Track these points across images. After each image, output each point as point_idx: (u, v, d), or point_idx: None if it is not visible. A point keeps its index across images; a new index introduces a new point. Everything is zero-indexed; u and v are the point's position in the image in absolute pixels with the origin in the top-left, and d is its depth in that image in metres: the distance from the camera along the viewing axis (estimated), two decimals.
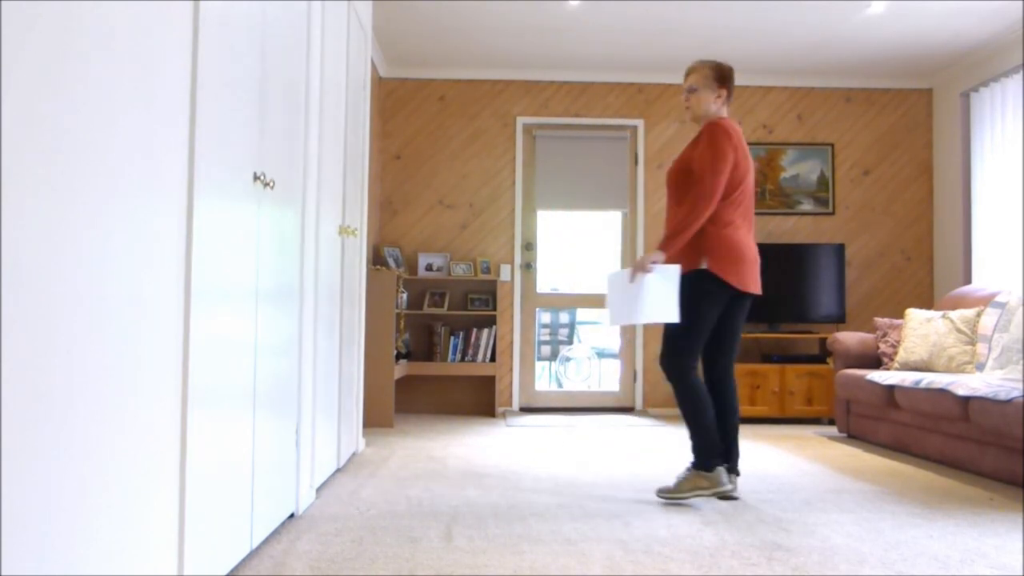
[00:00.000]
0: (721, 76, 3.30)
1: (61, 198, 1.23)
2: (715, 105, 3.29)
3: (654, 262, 3.10)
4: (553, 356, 6.77)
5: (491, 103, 6.33)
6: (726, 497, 3.16)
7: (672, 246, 3.11)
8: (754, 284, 3.21)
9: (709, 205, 3.10)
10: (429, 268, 6.16)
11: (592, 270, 6.55)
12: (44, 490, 1.21)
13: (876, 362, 5.03)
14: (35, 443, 1.18)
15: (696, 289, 3.14)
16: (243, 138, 2.09)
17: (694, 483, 3.10)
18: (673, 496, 3.10)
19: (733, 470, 3.23)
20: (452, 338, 6.03)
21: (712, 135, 3.18)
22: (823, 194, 6.36)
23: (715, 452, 3.13)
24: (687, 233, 3.10)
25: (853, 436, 4.93)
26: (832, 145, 6.39)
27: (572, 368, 6.80)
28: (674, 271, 3.12)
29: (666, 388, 6.23)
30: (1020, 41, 5.34)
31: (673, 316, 3.10)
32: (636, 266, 3.12)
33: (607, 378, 6.64)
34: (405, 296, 5.98)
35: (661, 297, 3.10)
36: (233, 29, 1.99)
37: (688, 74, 3.34)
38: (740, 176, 3.18)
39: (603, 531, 2.64)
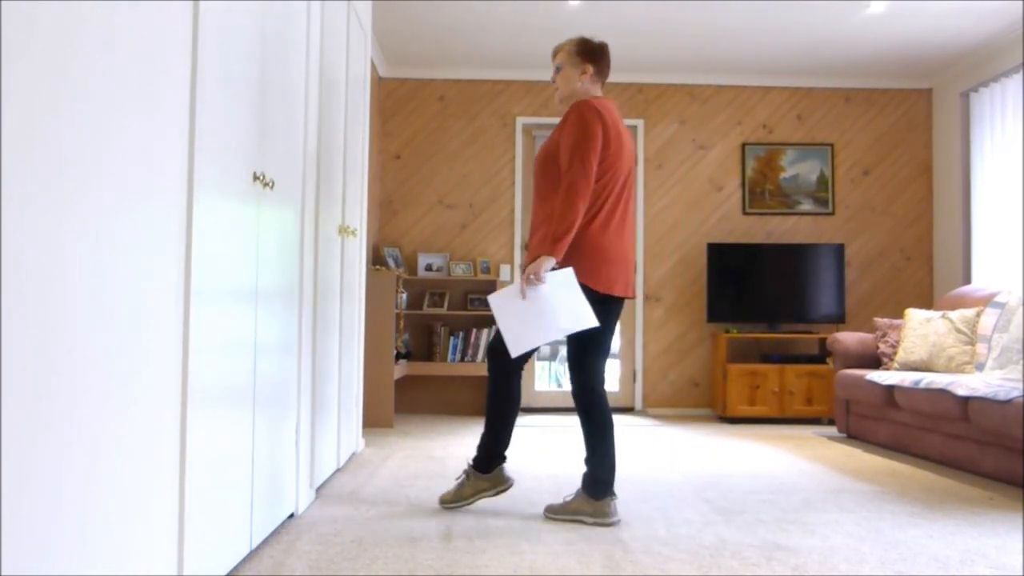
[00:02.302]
0: (585, 50, 2.98)
1: (61, 198, 1.23)
2: (582, 83, 2.97)
3: (547, 269, 2.71)
4: (553, 356, 6.77)
5: (491, 103, 6.33)
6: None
7: (562, 248, 2.70)
8: (620, 286, 2.84)
9: (585, 192, 2.73)
10: (429, 268, 6.16)
11: None
12: (44, 490, 1.21)
13: (876, 362, 5.03)
14: (35, 443, 1.18)
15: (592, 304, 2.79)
16: (243, 138, 2.09)
17: (577, 507, 2.79)
18: (554, 516, 2.82)
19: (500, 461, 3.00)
20: (452, 338, 6.03)
21: (577, 112, 2.81)
22: (823, 194, 6.37)
23: (608, 482, 2.81)
24: (573, 231, 2.71)
25: (853, 436, 4.93)
26: (832, 145, 6.39)
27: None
28: (569, 274, 2.73)
29: (665, 388, 6.24)
30: (1020, 41, 5.34)
31: (591, 319, 2.71)
32: (526, 279, 2.72)
33: (606, 378, 6.64)
34: (405, 296, 5.98)
35: (568, 304, 2.71)
36: (233, 29, 1.99)
37: (554, 55, 3.05)
38: (610, 160, 2.82)
39: (603, 531, 2.64)
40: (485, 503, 3.02)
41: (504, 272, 6.22)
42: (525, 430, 5.16)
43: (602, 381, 2.89)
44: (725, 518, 2.83)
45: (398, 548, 2.40)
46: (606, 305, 2.84)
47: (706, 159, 6.37)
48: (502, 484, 2.98)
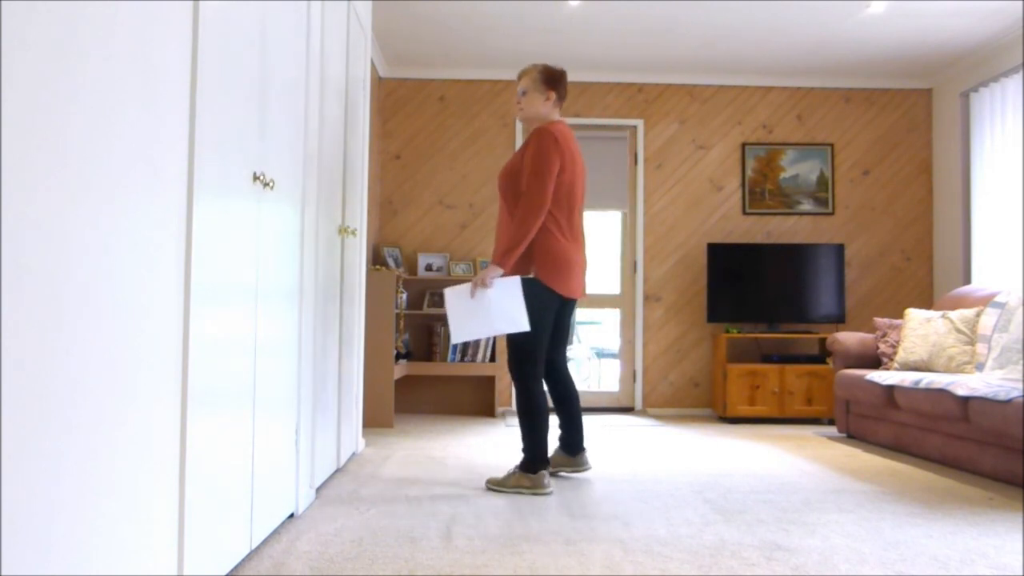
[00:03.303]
0: (549, 78, 3.39)
1: (61, 199, 1.23)
2: (545, 108, 3.40)
3: (493, 277, 3.22)
4: None
5: (491, 103, 6.33)
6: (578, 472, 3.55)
7: (509, 261, 3.21)
8: (578, 289, 3.40)
9: (539, 215, 3.19)
10: (429, 268, 6.16)
11: (592, 270, 6.54)
12: (44, 490, 1.21)
13: (876, 362, 5.03)
14: (35, 443, 1.18)
15: (530, 297, 3.26)
16: (243, 138, 2.09)
17: (518, 481, 3.24)
18: (497, 487, 3.27)
19: (581, 447, 3.54)
20: None
21: (538, 141, 3.25)
22: (823, 194, 6.37)
23: (544, 458, 3.28)
24: (522, 246, 3.20)
25: (853, 436, 4.93)
26: (832, 145, 6.39)
27: (571, 368, 6.80)
28: (515, 283, 3.23)
29: (665, 388, 6.24)
30: (1020, 41, 5.35)
31: (524, 325, 3.22)
32: (476, 282, 3.22)
33: (607, 378, 6.65)
34: (405, 296, 5.98)
35: (507, 309, 3.22)
36: (233, 29, 1.99)
37: (519, 78, 3.45)
38: (566, 181, 3.28)
39: (603, 531, 2.64)
40: (483, 503, 3.02)
41: None
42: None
43: (541, 372, 3.33)
44: (725, 518, 2.84)
45: (398, 548, 2.40)
46: (568, 303, 3.43)
47: (706, 159, 6.37)
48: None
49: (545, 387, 3.51)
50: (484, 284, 3.21)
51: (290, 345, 2.64)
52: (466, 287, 3.26)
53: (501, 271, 3.22)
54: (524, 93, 3.42)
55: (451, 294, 3.29)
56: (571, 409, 3.55)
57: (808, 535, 2.62)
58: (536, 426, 3.29)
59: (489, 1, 4.95)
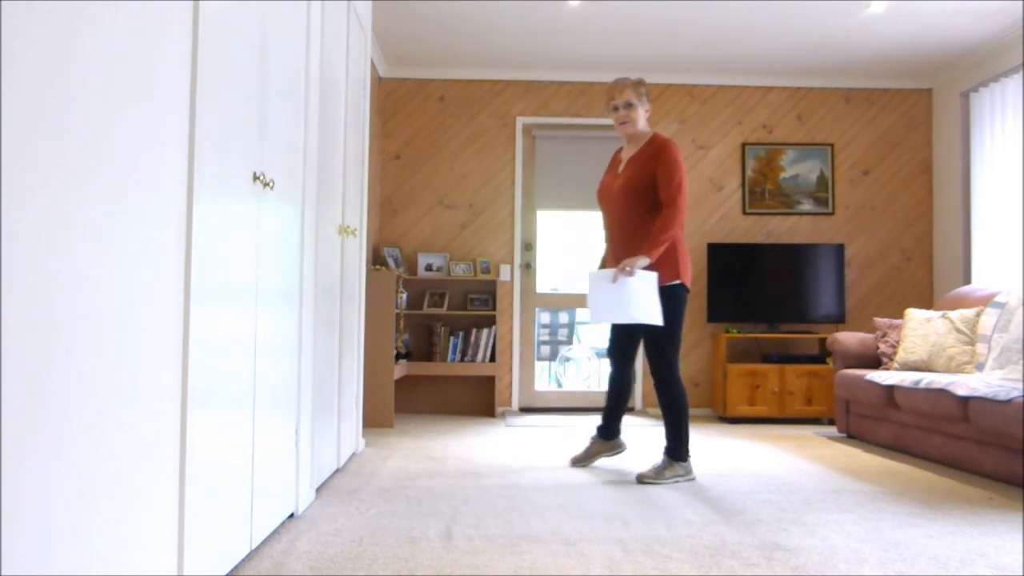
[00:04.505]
0: (648, 93, 3.65)
1: (61, 198, 1.23)
2: (645, 120, 3.65)
3: (639, 267, 3.36)
4: (553, 356, 6.76)
5: (491, 103, 6.33)
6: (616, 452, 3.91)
7: (656, 254, 3.39)
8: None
9: (683, 217, 3.45)
10: (429, 268, 6.16)
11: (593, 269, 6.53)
12: (44, 490, 1.21)
13: (876, 362, 5.03)
14: (34, 443, 1.18)
15: (680, 299, 3.49)
16: (243, 138, 2.09)
17: (674, 471, 3.49)
18: (654, 480, 3.44)
19: (618, 431, 3.86)
20: (452, 338, 6.03)
21: (671, 152, 3.48)
22: (823, 194, 6.37)
23: (688, 446, 3.59)
24: (667, 243, 3.41)
25: (853, 436, 4.93)
26: (832, 145, 6.39)
27: (572, 368, 6.80)
28: (654, 277, 3.37)
29: None
30: (1020, 41, 5.35)
31: (658, 319, 3.36)
32: (622, 269, 3.35)
33: (607, 378, 6.64)
34: (405, 296, 5.98)
35: (645, 300, 3.34)
36: (233, 29, 1.99)
37: (622, 90, 3.59)
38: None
39: (603, 531, 2.64)
40: (483, 502, 3.02)
41: (504, 272, 6.22)
42: (525, 430, 5.16)
43: (678, 367, 3.54)
44: (725, 518, 2.84)
45: (398, 548, 2.40)
46: (686, 297, 3.55)
47: (706, 159, 6.37)
48: (617, 448, 3.87)
49: (611, 372, 3.84)
50: (629, 273, 3.33)
51: (290, 345, 2.64)
52: (609, 272, 3.40)
53: (648, 261, 3.37)
54: (629, 106, 3.58)
55: (594, 277, 3.44)
56: (625, 399, 3.84)
57: (808, 535, 2.62)
58: (683, 419, 3.51)
59: (489, 1, 4.95)
